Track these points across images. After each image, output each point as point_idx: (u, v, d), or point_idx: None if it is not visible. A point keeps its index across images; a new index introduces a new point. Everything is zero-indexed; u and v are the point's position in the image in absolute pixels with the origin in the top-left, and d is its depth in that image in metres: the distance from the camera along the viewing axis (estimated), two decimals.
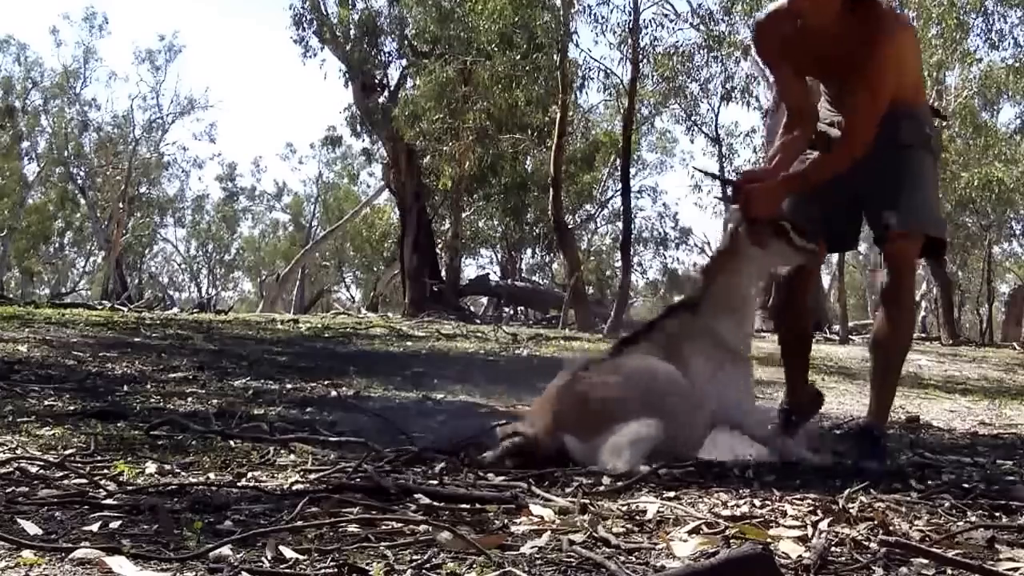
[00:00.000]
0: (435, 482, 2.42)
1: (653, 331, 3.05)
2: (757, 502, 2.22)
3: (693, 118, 21.59)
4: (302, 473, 2.50)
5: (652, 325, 3.10)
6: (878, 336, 3.19)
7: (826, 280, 24.80)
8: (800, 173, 3.02)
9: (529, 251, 29.26)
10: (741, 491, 2.37)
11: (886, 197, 2.99)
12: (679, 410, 2.83)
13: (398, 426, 3.40)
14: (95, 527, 1.82)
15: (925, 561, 1.68)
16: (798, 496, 2.29)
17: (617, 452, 2.64)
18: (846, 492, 2.25)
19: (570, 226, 21.50)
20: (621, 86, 16.23)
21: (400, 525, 1.88)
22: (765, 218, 2.97)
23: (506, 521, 1.97)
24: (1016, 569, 1.67)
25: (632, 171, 19.68)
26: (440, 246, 22.24)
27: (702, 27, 16.54)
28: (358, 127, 21.31)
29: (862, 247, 34.12)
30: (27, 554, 1.61)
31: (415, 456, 2.82)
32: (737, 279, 3.01)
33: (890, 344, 3.15)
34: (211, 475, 2.44)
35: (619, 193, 18.95)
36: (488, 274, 26.44)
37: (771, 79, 3.32)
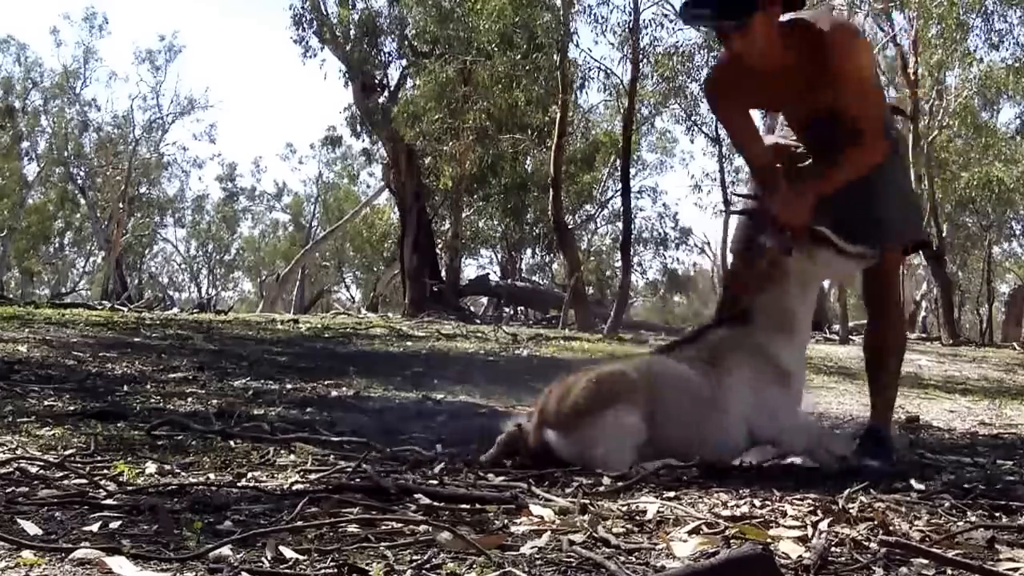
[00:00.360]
0: (435, 482, 2.42)
1: (698, 338, 2.99)
2: (757, 502, 2.22)
3: (693, 118, 21.57)
4: (302, 473, 2.50)
5: (699, 332, 3.04)
6: (874, 340, 3.19)
7: (826, 280, 24.74)
8: (826, 177, 2.93)
9: (529, 251, 29.27)
10: (741, 491, 2.37)
11: (865, 207, 2.97)
12: (681, 409, 2.78)
13: (396, 427, 3.40)
14: (95, 527, 1.82)
15: (925, 561, 1.68)
16: (798, 496, 2.29)
17: (605, 462, 2.62)
18: (846, 492, 2.25)
19: (570, 226, 21.50)
20: (621, 86, 16.24)
21: (400, 525, 1.88)
22: (801, 226, 2.87)
23: (506, 521, 1.97)
24: (1016, 569, 1.67)
25: (632, 171, 19.67)
26: (440, 246, 22.25)
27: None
28: (358, 127, 21.32)
29: None
30: (27, 554, 1.61)
31: (415, 457, 2.83)
32: (785, 298, 2.88)
33: (886, 346, 3.16)
34: (211, 475, 2.44)
35: (619, 193, 18.94)
36: (488, 274, 26.46)
37: (727, 133, 3.38)
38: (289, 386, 5.02)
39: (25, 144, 32.29)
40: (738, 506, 2.19)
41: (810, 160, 3.12)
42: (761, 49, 2.82)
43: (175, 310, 15.00)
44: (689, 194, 46.99)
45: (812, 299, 3.01)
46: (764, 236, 2.95)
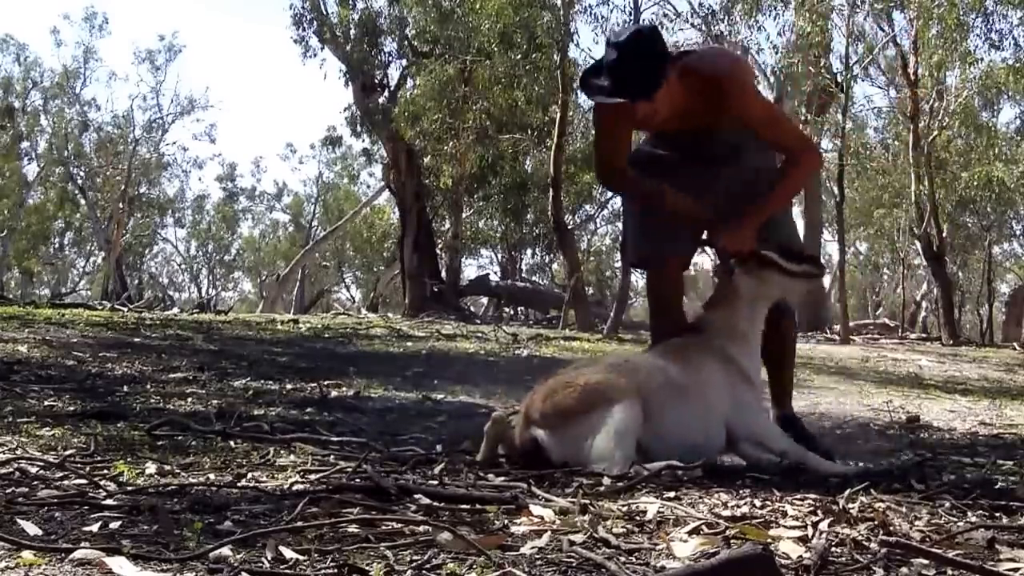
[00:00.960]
0: (435, 482, 2.42)
1: (666, 343, 3.07)
2: (757, 502, 2.22)
3: None
4: (302, 473, 2.50)
5: (672, 339, 3.11)
6: (781, 334, 3.26)
7: (826, 280, 24.79)
8: (764, 205, 3.05)
9: (529, 251, 29.25)
10: (741, 491, 2.37)
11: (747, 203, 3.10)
12: (667, 407, 2.77)
13: (396, 428, 3.39)
14: (95, 527, 1.82)
15: (925, 561, 1.68)
16: (798, 496, 2.29)
17: (606, 456, 2.59)
18: (846, 492, 2.25)
19: (570, 226, 21.50)
20: None
21: (400, 526, 1.87)
22: (748, 253, 2.99)
23: (506, 521, 1.97)
24: (1016, 570, 1.67)
25: None
26: (440, 246, 22.24)
27: (703, 27, 16.54)
28: (358, 127, 21.30)
29: (863, 247, 34.15)
30: (27, 554, 1.61)
31: (415, 457, 2.82)
32: (736, 316, 3.00)
33: (790, 336, 3.33)
34: (211, 475, 2.44)
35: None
36: (488, 274, 26.44)
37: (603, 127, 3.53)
38: (289, 386, 5.02)
39: (25, 144, 32.30)
40: (738, 506, 2.19)
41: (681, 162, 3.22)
42: (659, 107, 2.92)
43: (175, 310, 15.00)
44: None
45: (761, 317, 3.09)
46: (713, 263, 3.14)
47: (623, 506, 2.14)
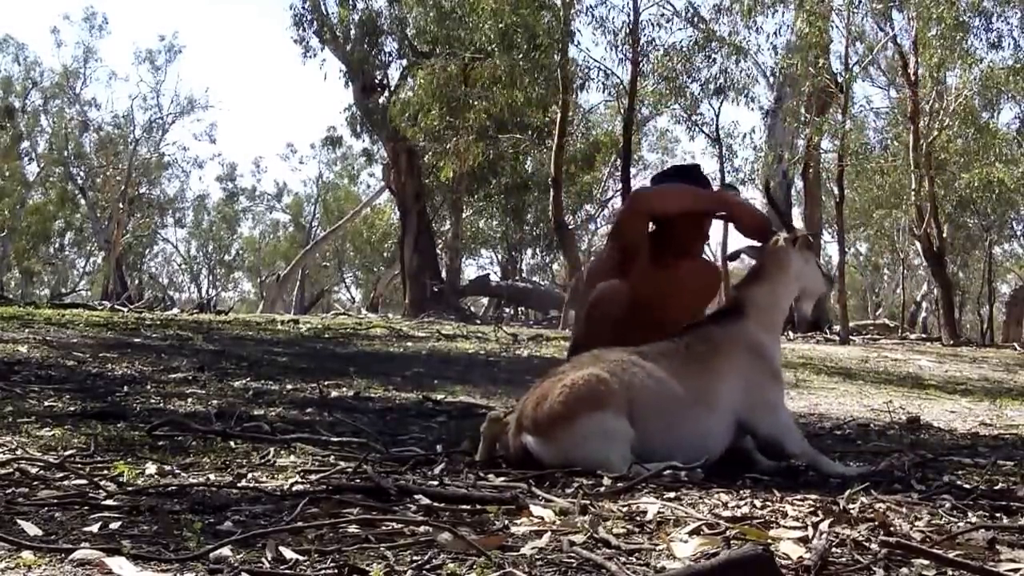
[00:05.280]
0: (435, 483, 2.41)
1: (689, 333, 2.94)
2: (757, 503, 2.22)
3: (693, 118, 21.57)
4: (302, 474, 2.49)
5: (692, 327, 3.00)
6: None
7: None
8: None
9: (529, 251, 29.29)
10: (742, 492, 2.37)
11: None
12: (657, 409, 2.71)
13: (396, 428, 3.38)
14: (95, 528, 1.82)
15: (926, 562, 1.68)
16: (798, 497, 2.29)
17: (601, 462, 2.56)
18: (847, 493, 2.25)
19: (570, 226, 21.51)
20: (621, 86, 16.24)
21: (400, 526, 1.87)
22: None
23: (506, 522, 1.97)
24: (1017, 570, 1.67)
25: (633, 171, 19.63)
26: (440, 246, 22.26)
27: (701, 26, 16.54)
28: (358, 127, 21.35)
29: (863, 247, 34.07)
30: (27, 555, 1.61)
31: (415, 458, 2.82)
32: (778, 293, 2.99)
33: None
34: (211, 476, 2.44)
35: (619, 193, 18.92)
36: (488, 274, 26.46)
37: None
38: (289, 386, 5.02)
39: (25, 144, 32.31)
40: (739, 507, 2.18)
41: None
42: None
43: (175, 310, 14.99)
44: None
45: (787, 307, 3.09)
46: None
47: (623, 506, 2.14)
